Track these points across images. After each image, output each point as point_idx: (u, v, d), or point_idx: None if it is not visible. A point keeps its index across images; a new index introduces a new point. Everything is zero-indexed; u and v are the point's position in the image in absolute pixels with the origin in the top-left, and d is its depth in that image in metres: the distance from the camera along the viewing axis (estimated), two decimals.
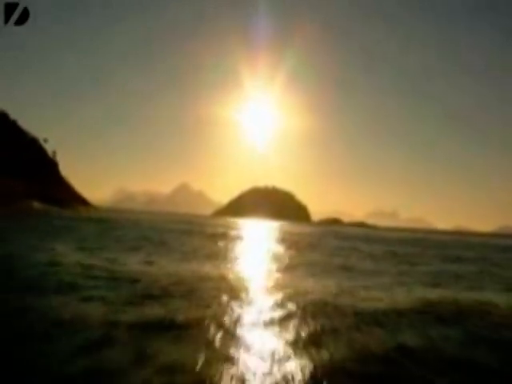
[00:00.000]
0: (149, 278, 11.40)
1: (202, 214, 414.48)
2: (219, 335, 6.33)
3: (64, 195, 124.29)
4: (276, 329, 7.11)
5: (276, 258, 21.13)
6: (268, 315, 8.04)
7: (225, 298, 9.27)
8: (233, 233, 48.04)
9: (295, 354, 5.73)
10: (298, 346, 6.10)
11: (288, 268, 16.74)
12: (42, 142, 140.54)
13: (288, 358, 5.55)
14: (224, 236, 38.97)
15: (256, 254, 24.66)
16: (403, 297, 11.11)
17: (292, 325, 7.32)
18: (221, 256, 19.57)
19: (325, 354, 5.74)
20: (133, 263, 14.31)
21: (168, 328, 6.54)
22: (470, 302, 10.72)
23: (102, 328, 6.28)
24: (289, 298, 9.81)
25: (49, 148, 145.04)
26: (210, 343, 5.95)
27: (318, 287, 11.80)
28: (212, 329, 6.63)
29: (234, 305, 8.65)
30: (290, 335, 6.67)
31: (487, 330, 7.99)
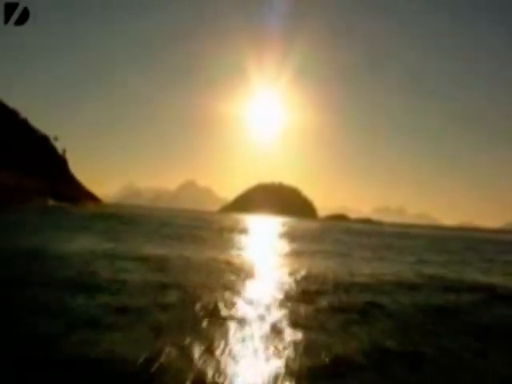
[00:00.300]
0: (170, 260, 13.57)
1: (208, 211, 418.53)
2: (230, 293, 8.56)
3: (74, 192, 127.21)
4: (276, 290, 9.27)
5: (280, 247, 23.31)
6: (271, 283, 10.31)
7: (235, 273, 11.41)
8: (239, 227, 50.24)
9: (287, 305, 7.80)
10: (291, 300, 8.21)
11: (291, 254, 18.93)
12: (51, 139, 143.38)
13: (280, 308, 7.62)
14: (231, 230, 41.13)
15: (262, 244, 26.82)
16: (386, 273, 13.30)
17: (288, 287, 9.51)
18: (229, 246, 21.72)
19: (311, 306, 7.80)
20: (154, 250, 16.46)
21: (194, 287, 8.83)
22: (439, 279, 12.80)
23: (145, 285, 8.60)
24: (290, 273, 12.04)
25: (58, 146, 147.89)
26: (223, 297, 8.14)
27: (317, 266, 13.98)
28: (224, 289, 8.90)
29: (243, 277, 10.81)
30: (285, 294, 8.80)
31: (447, 297, 10.01)
